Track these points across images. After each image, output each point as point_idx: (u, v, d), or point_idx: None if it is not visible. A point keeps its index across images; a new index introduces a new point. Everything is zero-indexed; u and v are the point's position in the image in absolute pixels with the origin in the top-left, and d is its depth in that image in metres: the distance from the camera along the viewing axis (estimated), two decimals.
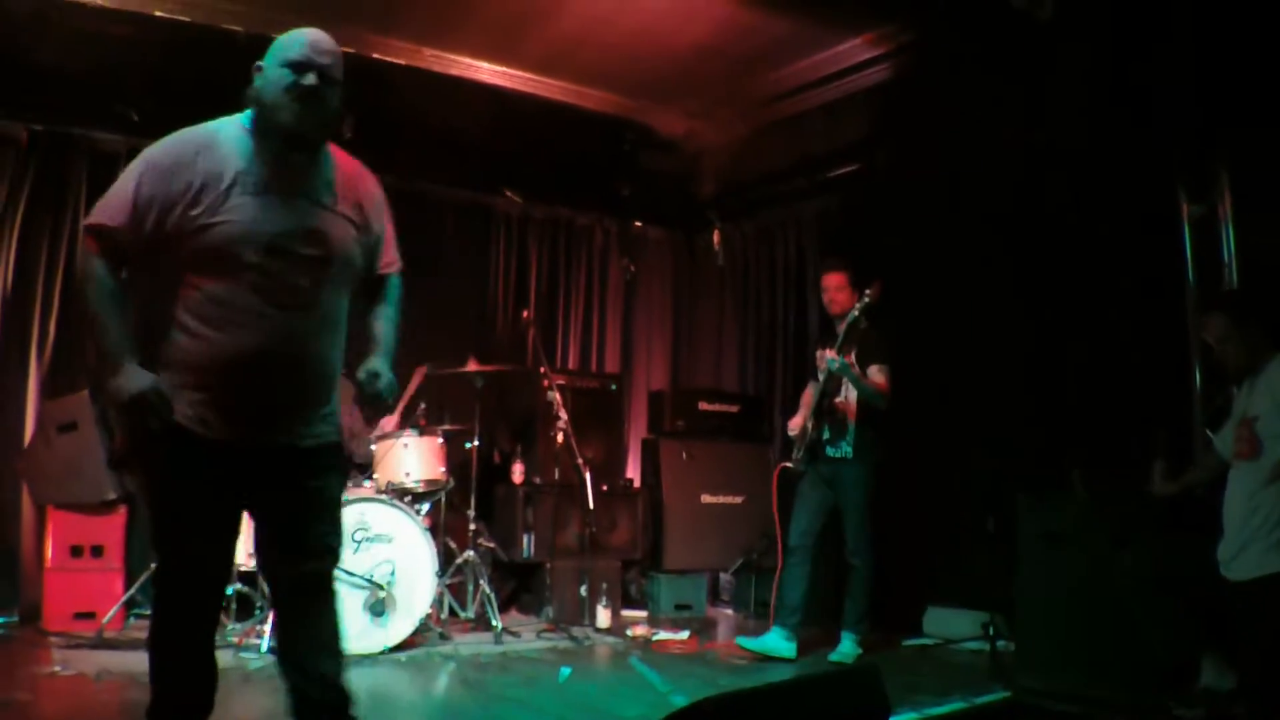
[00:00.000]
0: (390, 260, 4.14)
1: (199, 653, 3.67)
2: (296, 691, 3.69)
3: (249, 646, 6.31)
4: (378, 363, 3.85)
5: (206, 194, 3.37)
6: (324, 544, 3.70)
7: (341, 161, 3.91)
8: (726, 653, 7.11)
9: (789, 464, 7.26)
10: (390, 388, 3.81)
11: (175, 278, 3.39)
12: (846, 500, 6.92)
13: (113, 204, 3.45)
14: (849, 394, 6.95)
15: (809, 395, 7.25)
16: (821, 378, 6.96)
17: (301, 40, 3.67)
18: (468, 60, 8.75)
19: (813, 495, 7.06)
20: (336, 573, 3.83)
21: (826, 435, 6.99)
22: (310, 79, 3.60)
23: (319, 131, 3.73)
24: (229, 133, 3.61)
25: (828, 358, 6.80)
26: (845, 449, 6.94)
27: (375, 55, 8.35)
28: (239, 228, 3.35)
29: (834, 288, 7.11)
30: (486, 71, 8.88)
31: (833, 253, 8.07)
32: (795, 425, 7.21)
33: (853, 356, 6.82)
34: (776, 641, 6.88)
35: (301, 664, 3.72)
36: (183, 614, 3.56)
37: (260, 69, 3.68)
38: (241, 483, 3.46)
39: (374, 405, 3.85)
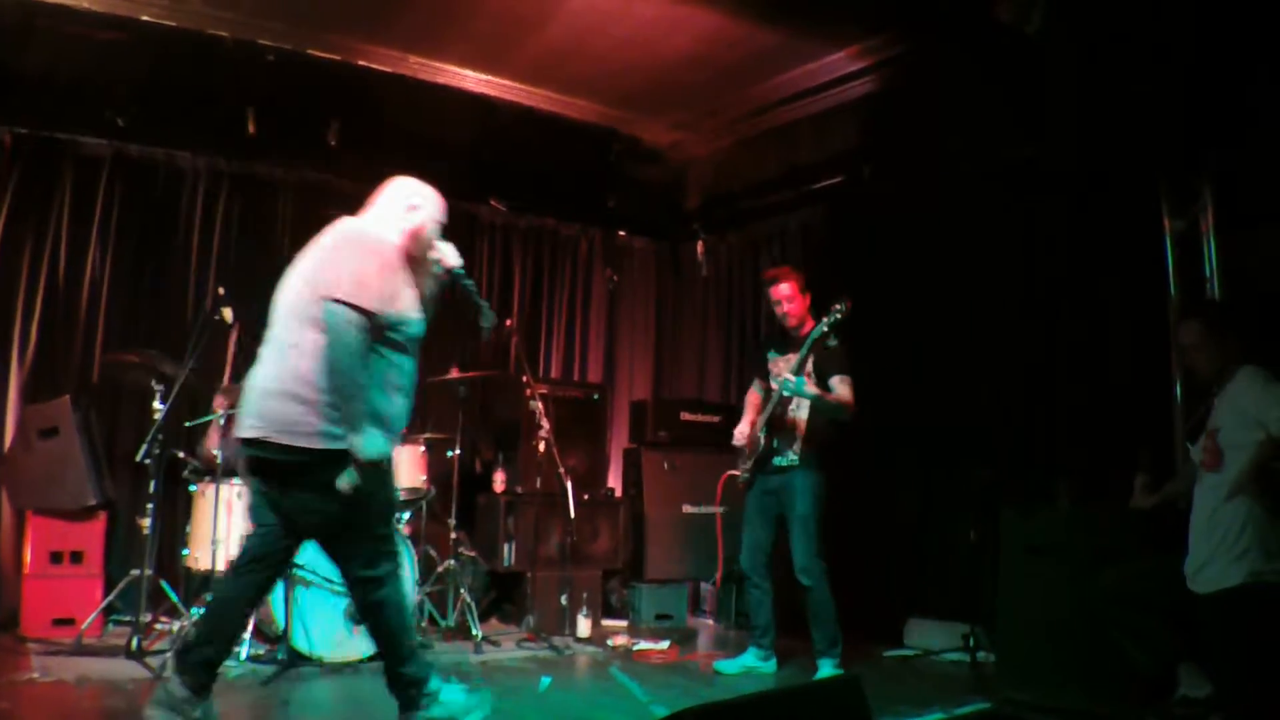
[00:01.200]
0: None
1: None
2: None
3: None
4: None
5: None
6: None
7: None
8: (707, 663, 7.10)
9: (735, 472, 7.22)
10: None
11: None
12: (792, 512, 6.63)
13: None
14: (800, 408, 6.71)
15: (755, 399, 7.06)
16: (776, 387, 6.68)
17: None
18: (454, 69, 8.75)
19: (758, 512, 6.86)
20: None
21: (775, 445, 6.76)
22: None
23: None
24: None
25: (784, 379, 6.53)
26: (792, 457, 6.70)
27: (361, 63, 8.34)
28: None
29: (785, 297, 6.78)
30: (473, 80, 8.88)
31: (808, 272, 8.10)
32: (742, 435, 6.93)
33: (810, 368, 6.61)
34: (753, 661, 6.86)
35: None
36: None
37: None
38: None
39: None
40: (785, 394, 6.57)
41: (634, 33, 7.97)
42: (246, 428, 4.52)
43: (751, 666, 6.83)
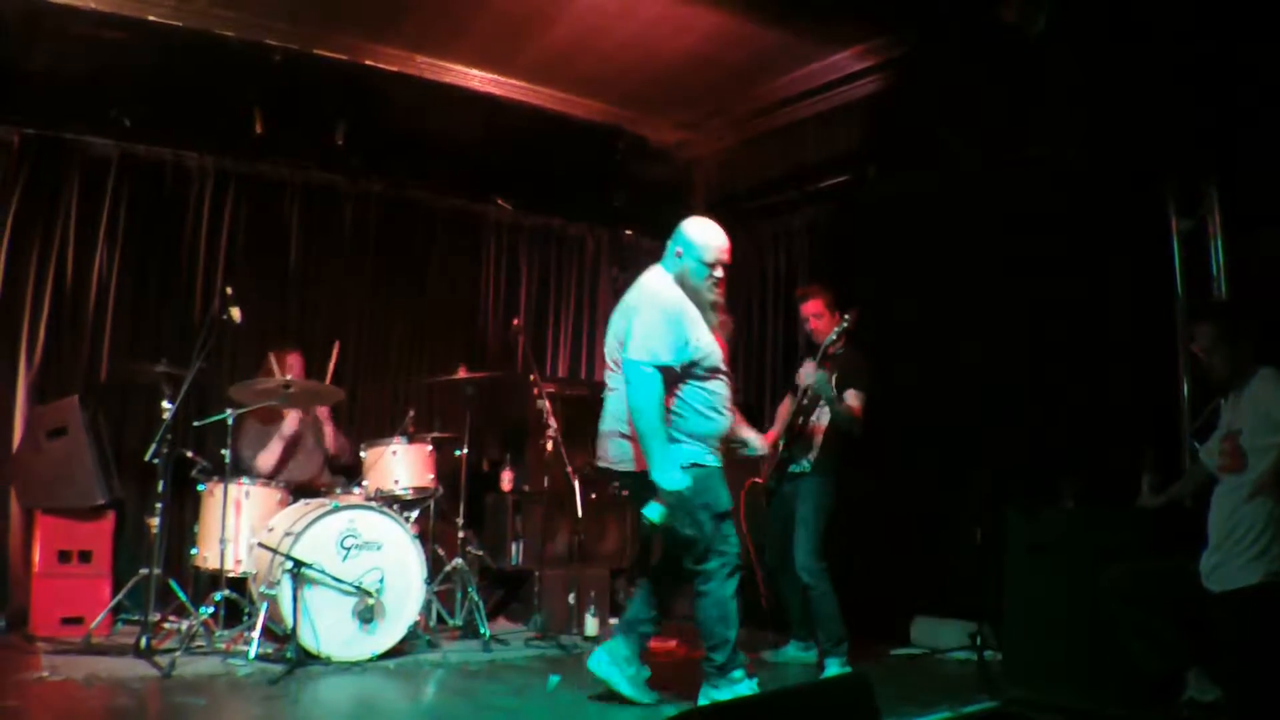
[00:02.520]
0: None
1: None
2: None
3: (237, 653, 6.30)
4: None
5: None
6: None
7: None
8: None
9: (758, 480, 7.30)
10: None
11: None
12: (798, 513, 6.84)
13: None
14: (821, 416, 6.91)
15: (785, 412, 7.27)
16: (801, 394, 6.92)
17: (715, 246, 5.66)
18: (461, 68, 8.75)
19: (778, 517, 7.10)
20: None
21: (793, 454, 6.98)
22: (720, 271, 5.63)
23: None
24: None
25: (808, 373, 6.74)
26: (805, 464, 6.91)
27: (368, 62, 8.34)
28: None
29: (814, 314, 7.11)
30: (479, 80, 8.87)
31: (815, 273, 8.13)
32: (768, 440, 7.05)
33: (832, 380, 6.77)
34: (796, 652, 7.14)
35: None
36: None
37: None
38: None
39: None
40: (810, 386, 6.74)
41: (640, 32, 7.97)
42: (599, 458, 5.82)
43: (794, 656, 7.14)
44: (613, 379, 5.63)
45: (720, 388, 5.55)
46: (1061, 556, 5.89)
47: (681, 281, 5.57)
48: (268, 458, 7.56)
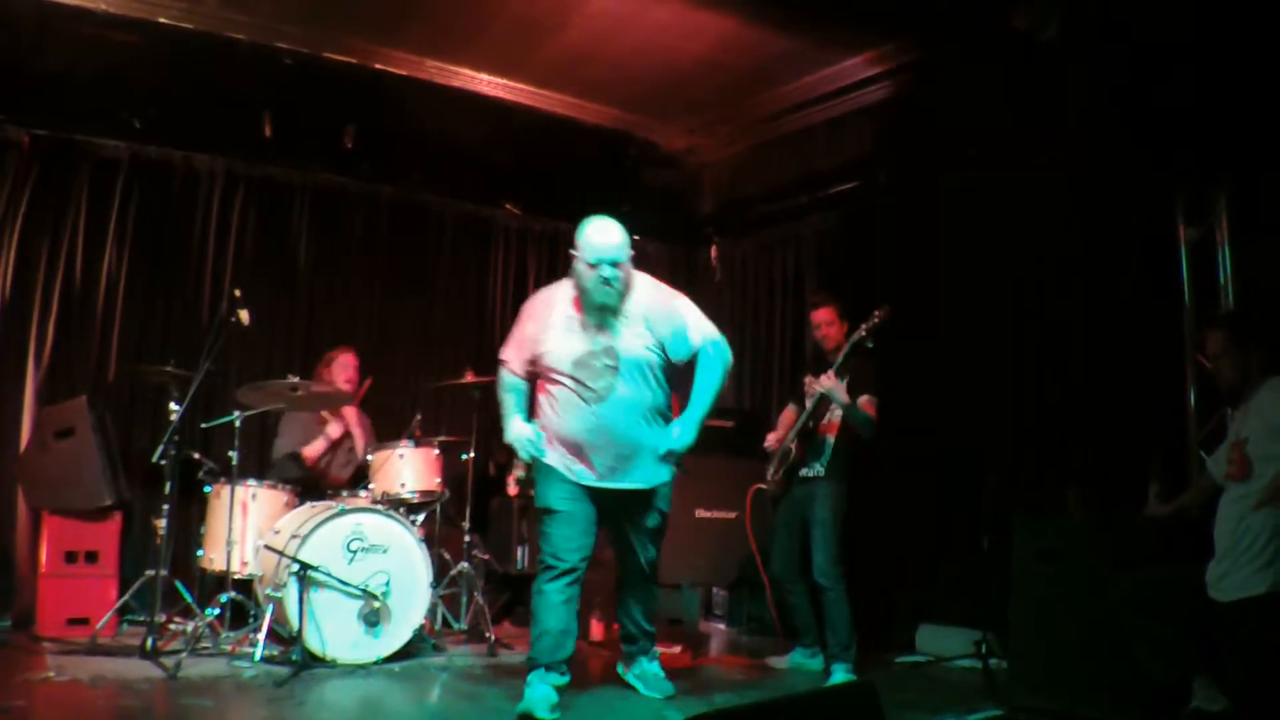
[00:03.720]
0: (696, 339, 5.70)
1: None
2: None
3: (242, 655, 6.31)
4: (677, 423, 5.69)
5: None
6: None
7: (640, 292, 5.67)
8: (720, 668, 7.12)
9: (763, 485, 7.30)
10: (678, 446, 5.66)
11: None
12: (813, 517, 6.83)
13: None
14: (832, 417, 6.90)
15: (789, 417, 7.26)
16: (809, 403, 6.90)
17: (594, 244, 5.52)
18: (470, 73, 8.75)
19: (785, 522, 7.09)
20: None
21: (804, 458, 6.97)
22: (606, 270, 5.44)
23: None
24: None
25: (823, 381, 6.69)
26: (818, 468, 6.89)
27: (378, 66, 8.34)
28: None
29: (825, 322, 7.09)
30: (488, 84, 8.87)
31: (824, 279, 8.13)
32: (774, 439, 7.23)
33: (844, 385, 6.74)
34: (803, 659, 7.11)
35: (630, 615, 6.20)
36: None
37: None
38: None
39: (667, 458, 5.71)
40: (824, 396, 6.70)
41: (649, 38, 7.97)
42: None
43: (799, 663, 7.12)
44: None
45: (558, 390, 5.56)
46: (1068, 565, 5.87)
47: (575, 281, 5.57)
48: (312, 451, 7.65)
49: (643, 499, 5.74)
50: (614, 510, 5.73)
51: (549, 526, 5.58)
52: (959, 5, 6.74)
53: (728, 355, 5.77)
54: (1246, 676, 4.71)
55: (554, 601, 5.54)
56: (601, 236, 5.53)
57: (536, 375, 5.65)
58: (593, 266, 5.42)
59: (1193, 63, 6.17)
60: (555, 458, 5.57)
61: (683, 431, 5.61)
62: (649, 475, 5.67)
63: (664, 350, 5.61)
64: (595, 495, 5.60)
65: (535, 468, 5.62)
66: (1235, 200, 6.36)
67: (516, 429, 5.63)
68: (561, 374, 5.49)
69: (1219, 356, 5.17)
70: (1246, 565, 4.73)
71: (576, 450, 5.53)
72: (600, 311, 5.46)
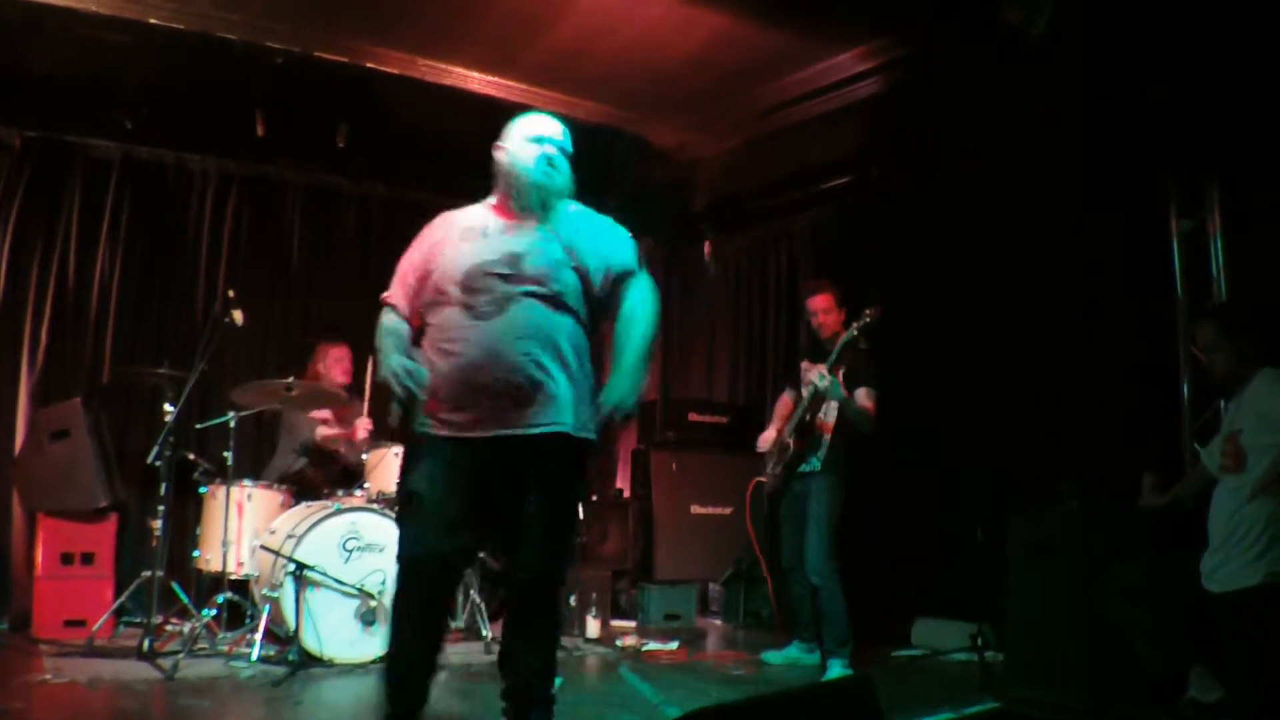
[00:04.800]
0: (628, 263, 4.58)
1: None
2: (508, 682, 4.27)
3: (239, 655, 6.30)
4: (607, 385, 4.35)
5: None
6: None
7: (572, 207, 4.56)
8: (718, 663, 7.13)
9: (762, 479, 7.31)
10: (611, 401, 4.31)
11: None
12: (809, 513, 6.85)
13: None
14: (829, 412, 6.93)
15: (785, 408, 7.27)
16: (806, 393, 6.90)
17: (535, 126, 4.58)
18: (462, 71, 8.74)
19: (789, 517, 7.10)
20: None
21: (803, 452, 6.98)
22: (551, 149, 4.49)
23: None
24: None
25: (816, 374, 6.73)
26: (815, 463, 6.92)
27: (369, 65, 8.32)
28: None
29: (821, 310, 7.12)
30: (480, 82, 8.86)
31: (818, 274, 8.14)
32: (766, 440, 7.23)
33: (840, 376, 6.76)
34: (799, 654, 7.12)
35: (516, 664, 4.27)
36: None
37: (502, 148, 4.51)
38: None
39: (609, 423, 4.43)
40: (818, 389, 6.69)
41: (641, 34, 7.96)
42: None
43: (796, 658, 7.11)
44: None
45: (441, 316, 4.29)
46: (1063, 557, 5.88)
47: (501, 175, 4.56)
48: (327, 430, 7.65)
49: (541, 461, 4.19)
50: (498, 480, 4.20)
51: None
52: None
53: (657, 300, 4.63)
54: (1242, 667, 4.73)
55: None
56: (544, 121, 4.62)
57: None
58: (535, 144, 4.49)
59: (1183, 54, 6.17)
60: (432, 413, 4.21)
61: (614, 383, 4.32)
62: (551, 420, 4.18)
63: (587, 276, 4.40)
64: (476, 455, 4.15)
65: (409, 416, 4.26)
66: (1227, 192, 6.37)
67: (393, 362, 4.14)
68: (447, 293, 4.25)
69: (1211, 349, 5.18)
70: (1240, 556, 4.75)
71: (458, 391, 4.15)
72: (538, 192, 4.40)
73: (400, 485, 4.37)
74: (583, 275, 4.39)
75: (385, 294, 4.46)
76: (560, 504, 4.33)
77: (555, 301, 4.26)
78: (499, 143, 4.57)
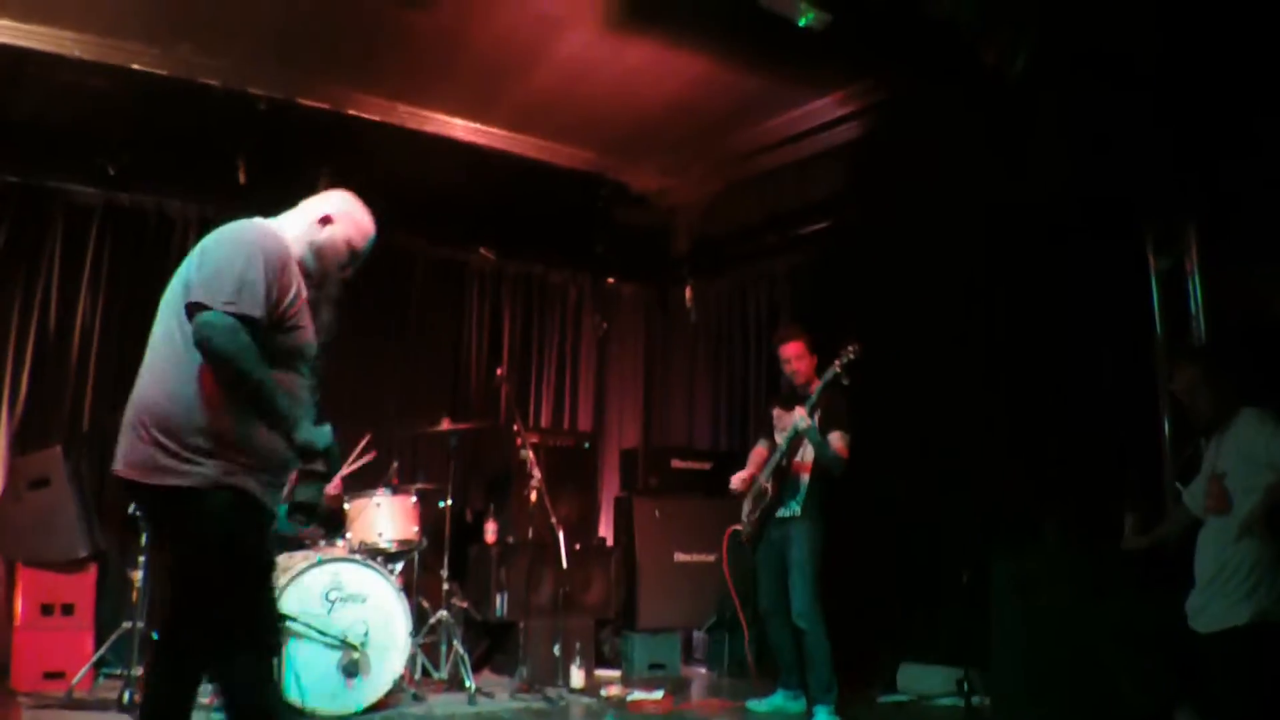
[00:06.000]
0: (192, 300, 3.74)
1: None
2: None
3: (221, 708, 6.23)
4: None
5: None
6: None
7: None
8: (702, 712, 7.08)
9: (738, 526, 7.30)
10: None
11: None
12: (790, 558, 6.84)
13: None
14: (805, 455, 6.93)
15: (760, 457, 7.25)
16: (782, 439, 6.93)
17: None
18: (442, 117, 8.79)
19: (765, 564, 7.07)
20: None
21: (780, 498, 6.96)
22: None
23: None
24: None
25: (796, 418, 6.71)
26: (794, 507, 6.90)
27: (350, 111, 8.38)
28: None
29: (795, 356, 7.12)
30: (461, 128, 8.91)
31: (797, 318, 8.18)
32: (739, 480, 7.19)
33: (816, 419, 6.77)
34: (785, 702, 7.04)
35: None
36: None
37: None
38: None
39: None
40: (798, 431, 6.69)
41: (620, 80, 8.02)
42: None
43: (781, 706, 7.04)
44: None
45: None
46: (1047, 598, 5.88)
47: (319, 255, 4.30)
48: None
49: (166, 509, 3.78)
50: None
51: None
52: (927, 42, 6.78)
53: (221, 339, 3.61)
54: (1229, 706, 4.72)
55: None
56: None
57: None
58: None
59: (1159, 95, 6.23)
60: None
61: None
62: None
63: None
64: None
65: None
66: (1204, 229, 6.41)
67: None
68: None
69: (1190, 391, 5.19)
70: (1228, 596, 4.75)
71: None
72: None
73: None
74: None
75: None
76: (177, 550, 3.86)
77: (173, 322, 4.00)
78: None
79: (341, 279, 4.33)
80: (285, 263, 3.88)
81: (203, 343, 3.63)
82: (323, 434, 3.74)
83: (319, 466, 3.78)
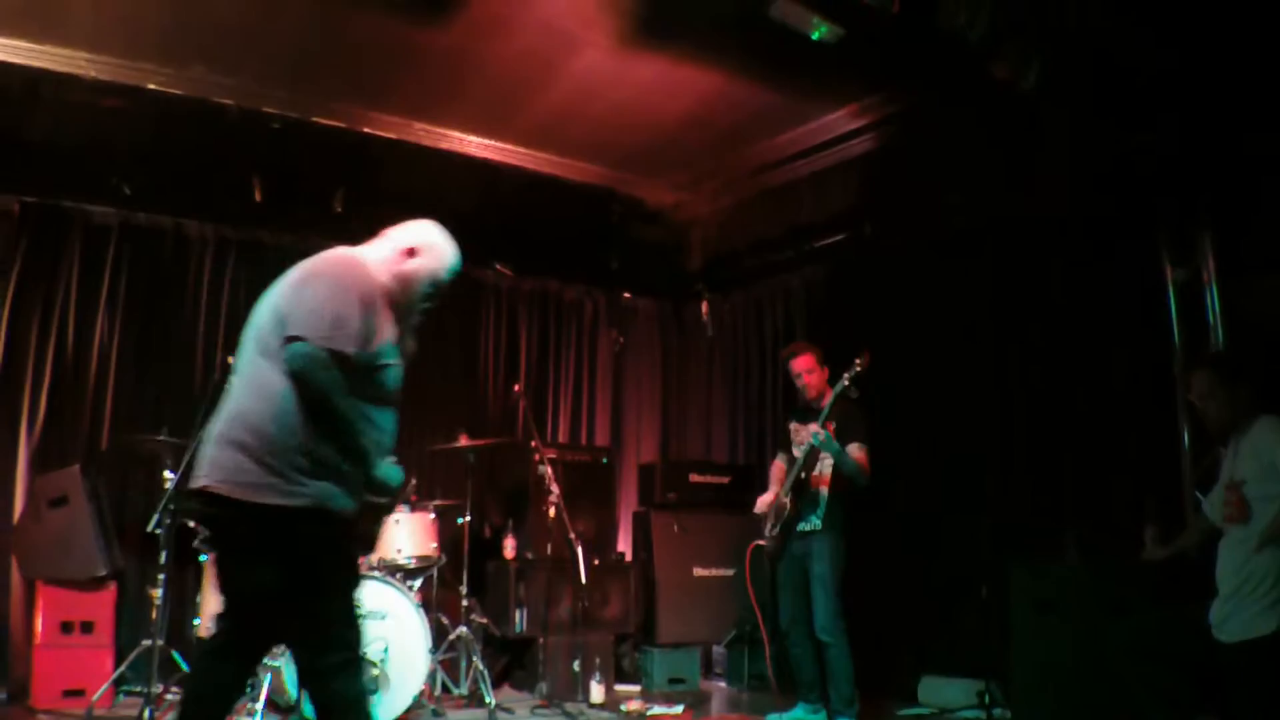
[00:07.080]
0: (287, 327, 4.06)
1: None
2: None
3: None
4: None
5: None
6: None
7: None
8: None
9: (762, 542, 7.29)
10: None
11: None
12: (812, 572, 6.83)
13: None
14: (823, 469, 6.92)
15: (780, 471, 7.26)
16: (799, 453, 6.94)
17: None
18: (457, 134, 8.82)
19: (788, 578, 7.05)
20: None
21: (800, 511, 6.96)
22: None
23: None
24: None
25: (812, 432, 6.69)
26: (815, 521, 6.89)
27: (365, 130, 8.40)
28: None
29: (805, 370, 7.12)
30: (475, 145, 8.94)
31: (813, 331, 8.18)
32: (764, 503, 7.20)
33: (832, 431, 6.72)
34: (806, 715, 7.00)
35: None
36: None
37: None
38: None
39: None
40: (815, 445, 6.67)
41: (634, 95, 8.03)
42: None
43: (803, 719, 6.99)
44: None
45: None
46: (1067, 612, 5.86)
47: (404, 285, 4.52)
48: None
49: (256, 527, 3.89)
50: None
51: None
52: (940, 56, 6.78)
53: (315, 372, 3.88)
54: (1253, 717, 4.69)
55: None
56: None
57: None
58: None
59: (1172, 105, 6.22)
60: None
61: None
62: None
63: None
64: None
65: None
66: (1220, 239, 6.39)
67: None
68: None
69: (1205, 397, 5.16)
70: (1252, 606, 4.71)
71: None
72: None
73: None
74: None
75: None
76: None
77: (256, 369, 4.22)
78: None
79: (423, 309, 4.51)
80: (378, 302, 4.16)
81: (296, 373, 3.87)
82: (396, 473, 4.09)
83: (383, 500, 4.07)
